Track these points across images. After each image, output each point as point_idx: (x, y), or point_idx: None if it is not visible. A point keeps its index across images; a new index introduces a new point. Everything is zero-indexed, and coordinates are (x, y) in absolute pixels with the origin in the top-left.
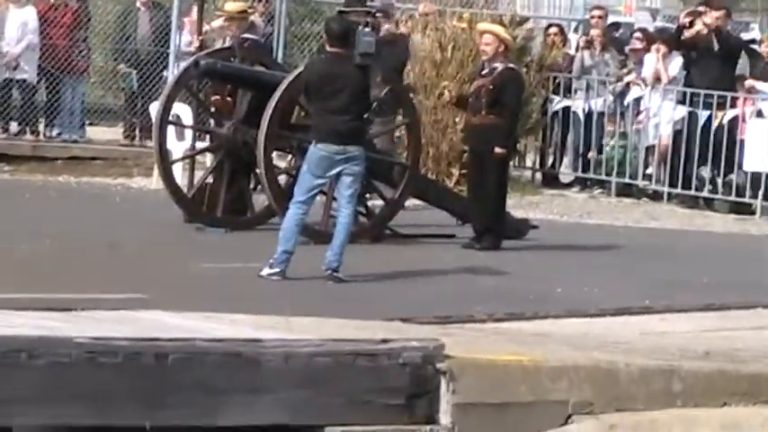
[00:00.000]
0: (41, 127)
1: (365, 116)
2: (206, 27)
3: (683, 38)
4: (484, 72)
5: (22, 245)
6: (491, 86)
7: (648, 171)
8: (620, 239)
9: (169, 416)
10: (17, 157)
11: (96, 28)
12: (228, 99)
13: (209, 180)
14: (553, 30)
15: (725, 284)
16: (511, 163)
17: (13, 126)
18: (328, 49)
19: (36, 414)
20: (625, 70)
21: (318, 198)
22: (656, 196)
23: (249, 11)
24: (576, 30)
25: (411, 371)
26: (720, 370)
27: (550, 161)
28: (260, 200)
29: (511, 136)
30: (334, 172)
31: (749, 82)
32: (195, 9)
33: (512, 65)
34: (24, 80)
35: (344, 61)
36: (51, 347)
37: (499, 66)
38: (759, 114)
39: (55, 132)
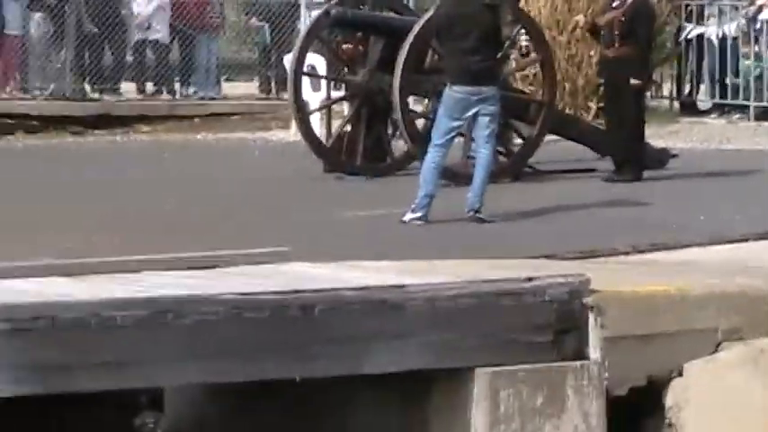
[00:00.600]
0: (177, 86)
1: (498, 55)
2: None
3: None
4: (615, 4)
5: (164, 204)
6: (622, 18)
7: None
8: (760, 164)
9: (317, 367)
10: (155, 118)
11: None
12: (361, 47)
13: (347, 129)
14: None
15: None
16: (648, 93)
17: (149, 86)
18: None
19: (185, 373)
20: None
21: (457, 140)
22: None
23: None
24: None
25: (557, 307)
26: None
27: (687, 89)
28: (398, 145)
29: (646, 66)
30: (470, 113)
31: None
32: None
33: None
34: (157, 40)
35: (473, 1)
36: (197, 306)
37: None
38: None
39: (191, 90)
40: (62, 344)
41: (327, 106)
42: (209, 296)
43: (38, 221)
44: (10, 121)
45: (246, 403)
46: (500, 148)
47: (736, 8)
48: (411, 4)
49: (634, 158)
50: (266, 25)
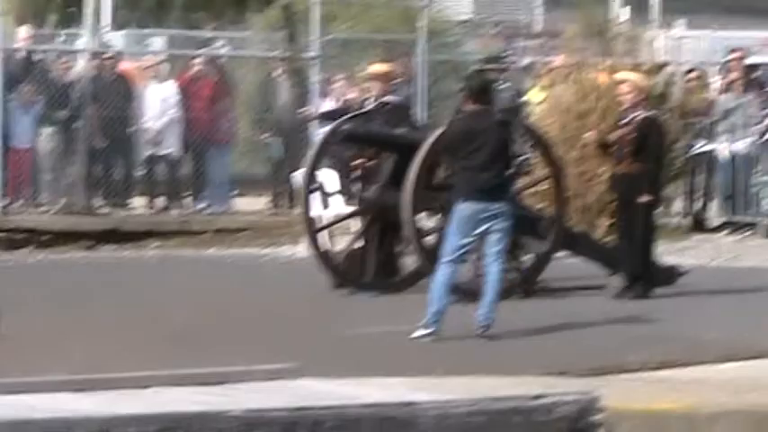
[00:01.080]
0: (188, 200)
1: (509, 171)
2: (349, 93)
3: None
4: (625, 121)
5: (174, 318)
6: (633, 135)
7: None
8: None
9: None
10: (165, 233)
11: (238, 98)
12: (372, 162)
13: (358, 244)
14: (693, 74)
15: None
16: (658, 209)
17: (160, 201)
18: (468, 106)
19: None
20: (767, 110)
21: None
22: None
23: (392, 73)
24: (720, 72)
25: (567, 425)
26: None
27: (698, 206)
28: (408, 261)
29: (657, 183)
30: (480, 230)
31: None
32: (336, 75)
33: (652, 112)
34: (169, 154)
35: (484, 117)
36: (207, 422)
37: (640, 114)
38: None
39: (204, 204)
40: None
41: (338, 222)
42: (219, 412)
43: (49, 334)
44: (21, 236)
45: None
46: (510, 265)
47: (747, 125)
48: (422, 119)
49: (644, 275)
50: (279, 140)
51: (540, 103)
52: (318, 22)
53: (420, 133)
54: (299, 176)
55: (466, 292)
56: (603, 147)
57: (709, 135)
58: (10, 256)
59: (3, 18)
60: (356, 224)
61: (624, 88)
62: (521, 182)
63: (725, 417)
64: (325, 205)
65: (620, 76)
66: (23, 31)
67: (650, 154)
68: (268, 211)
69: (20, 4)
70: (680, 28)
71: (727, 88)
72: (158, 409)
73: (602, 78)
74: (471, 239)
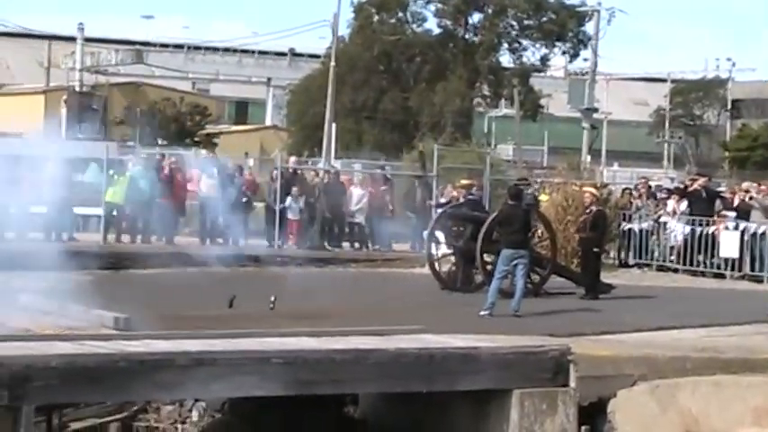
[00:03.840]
0: (369, 244)
1: (528, 234)
2: (453, 193)
3: (688, 191)
4: (587, 211)
5: (364, 302)
6: (591, 218)
7: (672, 257)
8: (657, 293)
9: (435, 385)
10: (358, 260)
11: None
12: (461, 228)
13: (453, 268)
14: (625, 189)
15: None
16: (602, 255)
17: (355, 245)
18: (509, 202)
19: (373, 386)
20: (659, 208)
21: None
22: (674, 270)
23: (472, 184)
24: (635, 188)
25: (555, 361)
26: (711, 357)
27: (622, 254)
28: (477, 277)
29: (601, 242)
30: (513, 263)
31: (723, 212)
32: (445, 185)
33: (600, 208)
34: (358, 222)
35: (517, 208)
36: (379, 353)
37: (594, 208)
38: (726, 228)
39: (377, 246)
40: (311, 370)
41: (444, 257)
42: (386, 348)
43: (301, 310)
44: (282, 260)
45: (393, 406)
46: (528, 280)
47: (647, 215)
48: (487, 208)
49: (594, 288)
50: (415, 216)
51: (545, 201)
52: (436, 158)
53: (486, 215)
54: (425, 234)
55: (506, 293)
56: (577, 226)
57: (628, 219)
58: (282, 270)
59: (280, 152)
60: (452, 258)
61: (587, 195)
62: (534, 240)
63: (632, 360)
64: (438, 248)
65: (585, 189)
66: (291, 159)
67: (599, 228)
68: (410, 250)
69: (288, 147)
70: (615, 165)
71: (639, 196)
72: (353, 345)
73: (576, 190)
74: (508, 267)
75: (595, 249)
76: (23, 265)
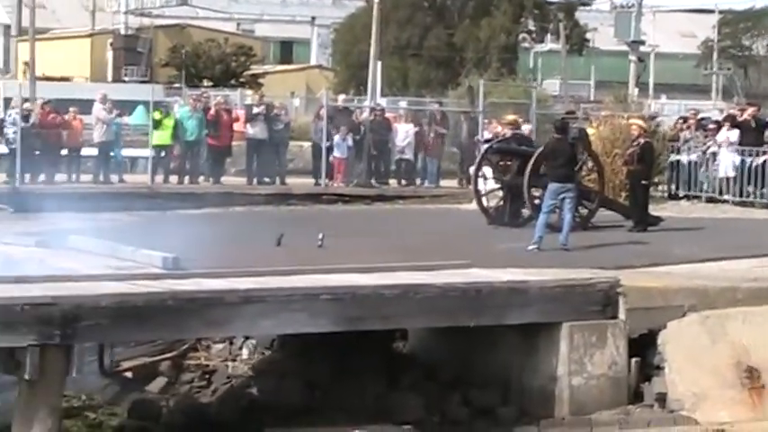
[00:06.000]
0: (418, 181)
1: (575, 168)
2: (498, 128)
3: (737, 121)
4: (634, 144)
5: (409, 240)
6: (638, 151)
7: (721, 188)
8: (706, 224)
9: (483, 319)
10: (406, 196)
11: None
12: (508, 163)
13: (501, 203)
14: (679, 119)
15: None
16: (650, 188)
17: (403, 181)
18: (555, 135)
19: (421, 321)
20: (708, 140)
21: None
22: (723, 201)
23: (518, 120)
24: (683, 120)
25: (604, 293)
26: (761, 287)
27: (671, 187)
28: (525, 212)
29: (649, 175)
30: (561, 196)
31: None
32: (491, 120)
33: (648, 139)
34: (408, 159)
35: (564, 141)
36: (426, 288)
37: (641, 140)
38: None
39: (426, 183)
40: (360, 306)
41: (491, 192)
42: (434, 283)
43: (343, 247)
44: (333, 197)
45: (442, 341)
46: (576, 214)
47: (696, 147)
48: (533, 142)
49: (643, 220)
50: (461, 152)
51: (592, 134)
52: (482, 94)
53: (532, 149)
54: (472, 170)
55: (553, 227)
56: (625, 158)
57: (677, 151)
58: (329, 207)
59: (326, 90)
60: (500, 193)
61: (634, 127)
62: (581, 173)
63: (682, 291)
64: (485, 184)
65: (632, 121)
66: (340, 97)
67: (646, 160)
68: (457, 186)
69: (334, 86)
70: (663, 98)
71: (687, 127)
72: (402, 281)
73: (623, 122)
74: (556, 201)
75: (643, 182)
76: (73, 207)
